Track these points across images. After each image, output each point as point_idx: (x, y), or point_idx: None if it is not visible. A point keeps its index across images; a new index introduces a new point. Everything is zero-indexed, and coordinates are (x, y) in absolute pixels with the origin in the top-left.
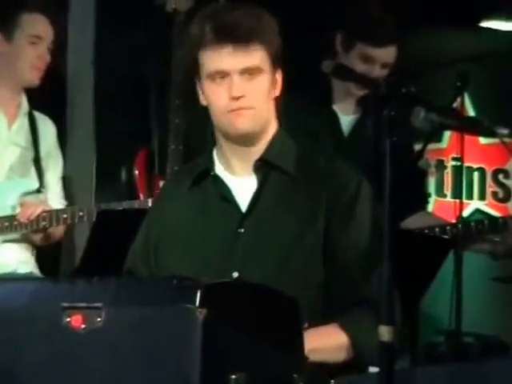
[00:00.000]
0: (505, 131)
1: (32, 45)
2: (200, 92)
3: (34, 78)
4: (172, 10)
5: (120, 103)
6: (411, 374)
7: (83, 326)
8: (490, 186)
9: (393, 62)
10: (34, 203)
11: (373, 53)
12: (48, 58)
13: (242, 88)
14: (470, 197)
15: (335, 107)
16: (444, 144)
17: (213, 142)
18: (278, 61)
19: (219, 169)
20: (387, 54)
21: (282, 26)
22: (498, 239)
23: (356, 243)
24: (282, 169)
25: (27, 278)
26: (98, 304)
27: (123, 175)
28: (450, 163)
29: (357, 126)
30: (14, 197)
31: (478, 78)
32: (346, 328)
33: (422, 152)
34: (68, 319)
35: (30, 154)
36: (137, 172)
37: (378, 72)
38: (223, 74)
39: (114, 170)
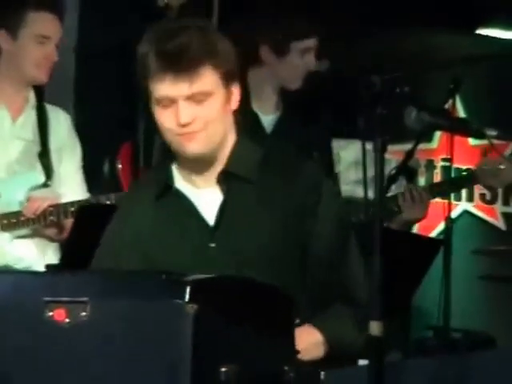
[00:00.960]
0: (493, 133)
1: (39, 44)
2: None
3: (40, 76)
4: (164, 5)
5: (104, 95)
6: (400, 366)
7: (67, 320)
8: (478, 188)
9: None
10: (40, 197)
11: (307, 44)
12: (55, 56)
13: (189, 113)
14: (458, 198)
15: (255, 108)
16: (434, 144)
17: (169, 156)
18: (234, 76)
19: (180, 182)
20: (314, 42)
21: None
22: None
23: (325, 244)
24: (245, 178)
25: (9, 270)
26: (83, 298)
27: (106, 168)
28: (440, 164)
29: (278, 125)
30: (20, 192)
31: (470, 81)
32: (319, 327)
33: (412, 152)
34: (51, 313)
35: (36, 148)
36: (120, 166)
37: (313, 59)
38: (169, 101)
39: (96, 163)
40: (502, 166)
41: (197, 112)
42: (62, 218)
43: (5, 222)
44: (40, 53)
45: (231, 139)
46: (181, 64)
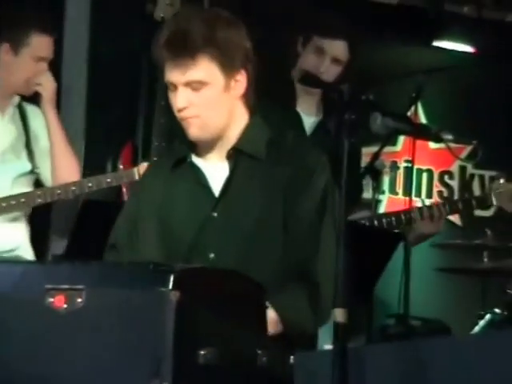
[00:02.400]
0: (450, 137)
1: (35, 63)
2: None
3: (27, 89)
4: (160, 18)
5: (110, 102)
6: (363, 350)
7: (65, 306)
8: (437, 186)
9: (345, 61)
10: None
11: (324, 44)
12: (48, 74)
13: (185, 99)
14: (418, 195)
15: (299, 109)
16: (398, 147)
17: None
18: (240, 67)
19: (194, 157)
20: (337, 47)
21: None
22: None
23: (305, 215)
24: (252, 155)
25: (14, 260)
26: (80, 286)
27: (109, 167)
28: (403, 165)
29: (318, 127)
30: (9, 178)
31: (430, 90)
32: (274, 306)
33: (378, 154)
34: (51, 299)
35: (22, 140)
36: (121, 166)
37: (327, 65)
38: (173, 86)
39: (100, 163)
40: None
41: (192, 98)
42: (48, 199)
43: None
44: (34, 70)
45: (243, 120)
46: (179, 52)
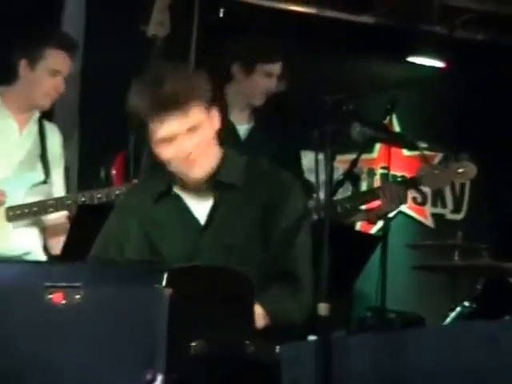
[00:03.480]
0: (423, 145)
1: (52, 77)
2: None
3: (45, 103)
4: (152, 36)
5: (103, 113)
6: (344, 341)
7: (64, 302)
8: (411, 192)
9: (281, 74)
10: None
11: (271, 68)
12: (63, 88)
13: (190, 144)
14: None
15: (232, 119)
16: (374, 155)
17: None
18: (213, 102)
19: (176, 187)
20: (279, 67)
21: None
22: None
23: (281, 227)
24: (232, 184)
25: (16, 260)
26: (78, 283)
27: (102, 175)
28: (379, 171)
29: (251, 133)
30: (23, 188)
31: (404, 101)
32: (262, 301)
33: (356, 161)
34: (50, 296)
35: (37, 152)
36: (114, 172)
37: (275, 84)
38: (170, 138)
39: (94, 171)
40: (436, 172)
41: (194, 141)
42: (59, 209)
43: (11, 213)
44: (51, 84)
45: (218, 153)
46: (173, 109)
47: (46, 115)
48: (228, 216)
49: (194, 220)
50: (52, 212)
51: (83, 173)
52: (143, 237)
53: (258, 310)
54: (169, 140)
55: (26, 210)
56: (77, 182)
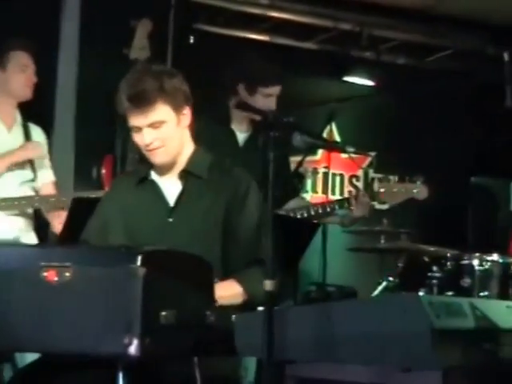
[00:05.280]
0: (351, 150)
1: (22, 72)
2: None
3: (27, 93)
4: (134, 59)
5: (94, 120)
6: (287, 311)
7: (56, 279)
8: (347, 187)
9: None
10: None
11: (270, 91)
12: (35, 78)
13: (150, 136)
14: (334, 194)
15: (233, 127)
16: (317, 157)
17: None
18: (184, 105)
19: (155, 175)
20: (278, 89)
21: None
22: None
23: (248, 225)
24: (198, 175)
25: (15, 243)
26: (68, 263)
27: (94, 173)
28: (321, 170)
29: (248, 140)
30: (15, 184)
31: (342, 114)
32: (240, 281)
33: (301, 162)
34: (45, 274)
35: None
36: (104, 171)
37: (274, 103)
38: (137, 128)
39: (87, 170)
40: (394, 190)
41: (156, 134)
42: (43, 205)
43: (3, 204)
44: (24, 77)
45: (190, 148)
46: (140, 103)
47: (45, 119)
48: (192, 200)
49: (165, 202)
50: (38, 207)
51: (78, 172)
52: (122, 222)
53: (237, 288)
54: (136, 130)
55: (16, 203)
56: (73, 180)
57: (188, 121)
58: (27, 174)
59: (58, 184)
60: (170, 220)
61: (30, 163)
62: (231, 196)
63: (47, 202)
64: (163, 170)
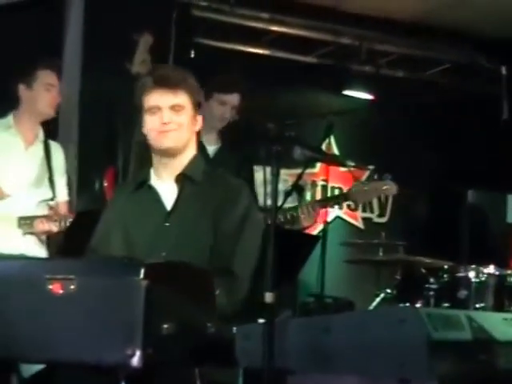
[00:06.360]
0: (351, 164)
1: (47, 91)
2: (143, 124)
3: (51, 112)
4: (135, 73)
5: (97, 134)
6: (286, 323)
7: (61, 291)
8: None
9: (237, 106)
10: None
11: (226, 98)
12: (59, 98)
13: (170, 117)
14: (332, 207)
15: (202, 140)
16: (316, 170)
17: (149, 165)
18: (198, 106)
19: (153, 179)
20: (233, 98)
21: None
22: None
23: (228, 232)
24: (193, 180)
25: (20, 257)
26: (72, 276)
27: (97, 185)
28: (320, 183)
29: (218, 152)
30: (34, 202)
31: (341, 127)
32: None
33: (301, 175)
34: (50, 286)
35: (45, 172)
36: (106, 184)
37: (229, 112)
38: (157, 109)
39: (90, 182)
40: (365, 188)
41: (174, 117)
42: (62, 223)
43: (21, 222)
44: (49, 96)
45: (192, 151)
46: (167, 83)
47: (48, 133)
48: (188, 204)
49: (162, 206)
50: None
51: (81, 184)
52: (121, 227)
53: None
54: (154, 111)
55: (35, 221)
56: (76, 192)
57: (199, 127)
58: (45, 192)
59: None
60: (167, 224)
61: (50, 182)
62: (222, 200)
63: (65, 222)
64: (161, 172)
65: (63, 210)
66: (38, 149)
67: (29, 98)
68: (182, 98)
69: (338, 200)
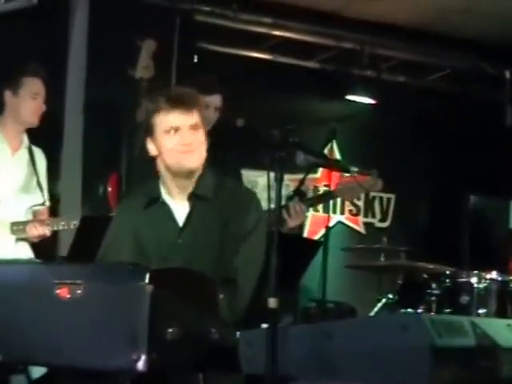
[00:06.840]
0: (355, 169)
1: (33, 99)
2: (150, 146)
3: (34, 120)
4: (139, 78)
5: (101, 140)
6: (289, 328)
7: (68, 296)
8: (347, 205)
9: (220, 107)
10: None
11: (206, 100)
12: (44, 107)
13: (190, 137)
14: (334, 212)
15: None
16: (318, 175)
17: (156, 178)
18: (206, 127)
19: (164, 195)
20: (215, 99)
21: None
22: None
23: (232, 241)
24: (204, 198)
25: (29, 261)
26: (79, 281)
27: (101, 191)
28: (322, 188)
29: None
30: (23, 208)
31: (343, 132)
32: None
33: (303, 180)
34: (58, 291)
35: (34, 177)
36: (110, 189)
37: (213, 115)
38: (174, 129)
39: (94, 188)
40: (351, 185)
41: (193, 137)
42: (54, 228)
43: (14, 228)
44: (34, 104)
45: (200, 170)
46: (182, 103)
47: (54, 139)
48: (199, 221)
49: (175, 222)
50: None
51: (85, 189)
52: (133, 240)
53: None
54: (171, 131)
55: (25, 226)
56: (80, 197)
57: (207, 145)
58: (36, 198)
59: (64, 204)
60: (180, 241)
61: (39, 187)
62: (233, 212)
63: (57, 225)
64: (175, 191)
65: (45, 214)
66: (24, 154)
67: (13, 104)
68: (197, 117)
69: (324, 198)
